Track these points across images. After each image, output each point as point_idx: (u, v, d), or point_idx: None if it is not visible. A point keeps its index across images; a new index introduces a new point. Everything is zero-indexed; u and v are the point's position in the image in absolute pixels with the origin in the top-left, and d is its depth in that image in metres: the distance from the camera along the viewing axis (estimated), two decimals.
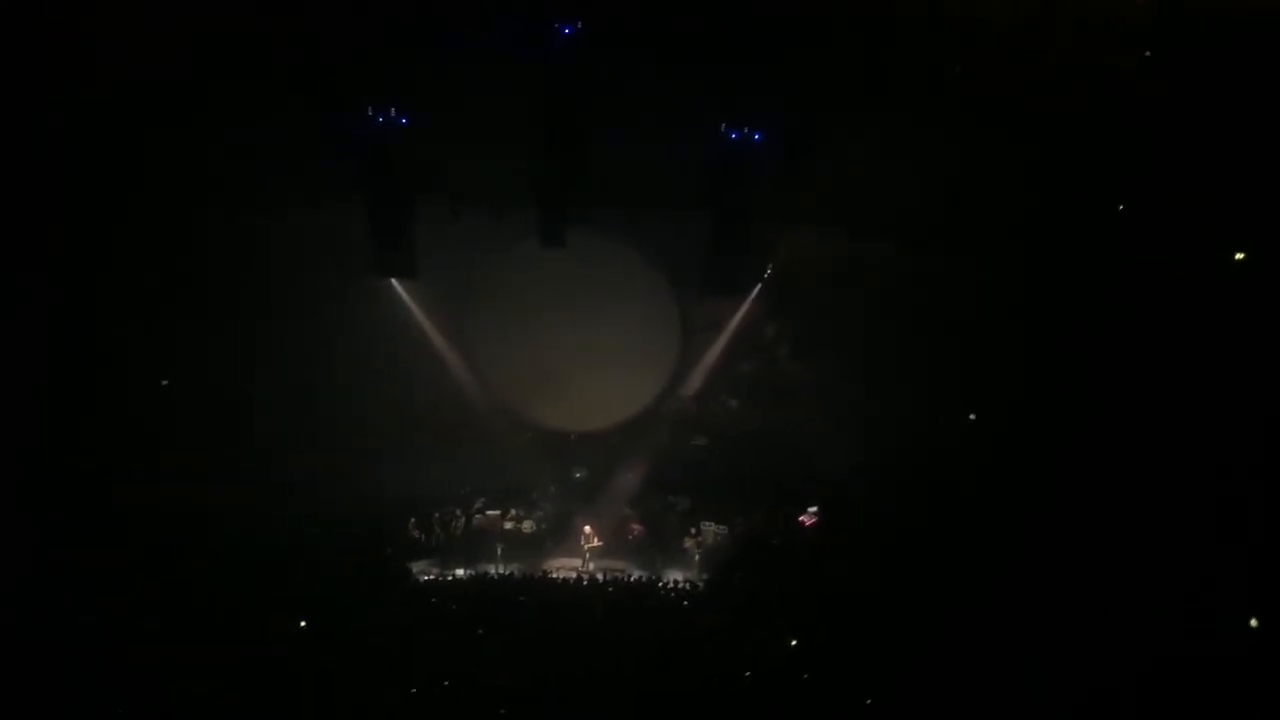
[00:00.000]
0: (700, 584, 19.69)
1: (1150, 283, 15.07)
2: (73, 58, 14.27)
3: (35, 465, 15.58)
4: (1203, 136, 14.10)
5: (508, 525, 21.75)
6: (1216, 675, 12.64)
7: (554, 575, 19.90)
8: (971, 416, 18.68)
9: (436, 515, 21.47)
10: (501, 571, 20.10)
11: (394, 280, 21.32)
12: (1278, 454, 13.46)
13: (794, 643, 15.86)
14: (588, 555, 20.83)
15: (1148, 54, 14.25)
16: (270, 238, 18.48)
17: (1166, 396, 14.90)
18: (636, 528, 21.89)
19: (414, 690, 14.39)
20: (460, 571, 20.08)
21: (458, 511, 21.74)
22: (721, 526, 21.33)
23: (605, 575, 19.76)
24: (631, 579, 19.72)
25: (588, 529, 21.09)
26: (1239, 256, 14.73)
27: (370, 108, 16.75)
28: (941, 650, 14.52)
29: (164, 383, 18.62)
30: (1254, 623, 13.62)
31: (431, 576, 19.92)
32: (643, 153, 17.07)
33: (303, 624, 15.67)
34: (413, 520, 21.18)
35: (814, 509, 20.90)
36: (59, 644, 13.73)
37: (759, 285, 21.96)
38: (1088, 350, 15.99)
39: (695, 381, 23.25)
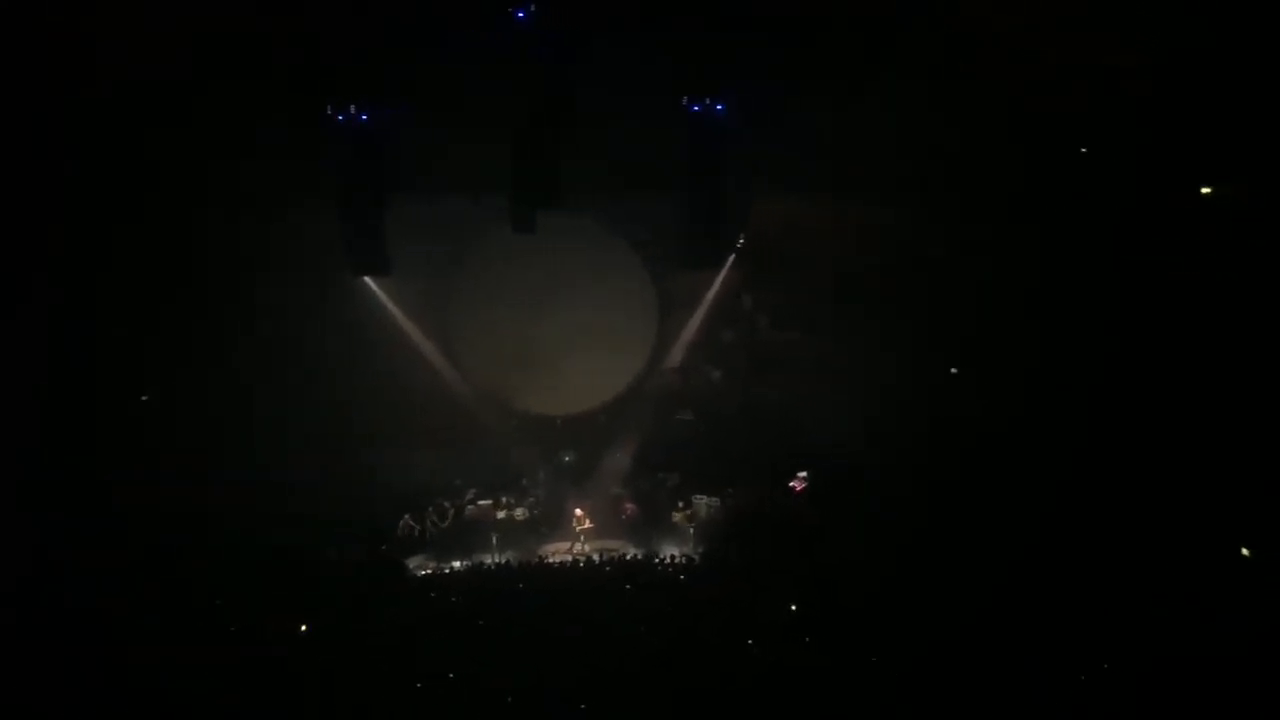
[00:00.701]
0: (696, 557, 19.75)
1: (1128, 233, 15.15)
2: (40, 58, 14.11)
3: (19, 468, 15.49)
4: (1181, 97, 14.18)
5: (500, 514, 21.78)
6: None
7: (550, 560, 19.93)
8: (953, 370, 18.79)
9: (429, 509, 21.46)
10: (498, 561, 20.10)
11: (368, 279, 21.16)
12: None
13: (794, 608, 15.95)
14: (582, 538, 20.87)
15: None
16: (244, 240, 18.37)
17: (1143, 349, 15.01)
18: (629, 507, 21.94)
19: (419, 686, 14.38)
20: (457, 564, 20.08)
21: (449, 504, 21.75)
22: (713, 499, 21.40)
23: (601, 556, 19.81)
24: (628, 557, 19.78)
25: (579, 512, 21.13)
26: (1205, 190, 14.85)
27: (330, 106, 16.66)
28: (939, 609, 14.63)
29: (143, 397, 18.56)
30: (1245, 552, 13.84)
31: (429, 571, 19.91)
32: (611, 131, 17.04)
33: (304, 627, 15.66)
34: (406, 515, 21.15)
35: (803, 474, 20.98)
36: (55, 644, 13.66)
37: (733, 255, 21.93)
38: (1074, 305, 16.08)
39: (677, 356, 23.23)
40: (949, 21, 14.97)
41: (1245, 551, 14.05)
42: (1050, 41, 14.57)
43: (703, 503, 21.43)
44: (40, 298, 15.72)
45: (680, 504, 21.62)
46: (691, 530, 21.03)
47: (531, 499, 22.31)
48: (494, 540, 20.86)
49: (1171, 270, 14.93)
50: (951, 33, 15.11)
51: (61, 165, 15.32)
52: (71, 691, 13.19)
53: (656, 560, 19.58)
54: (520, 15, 15.52)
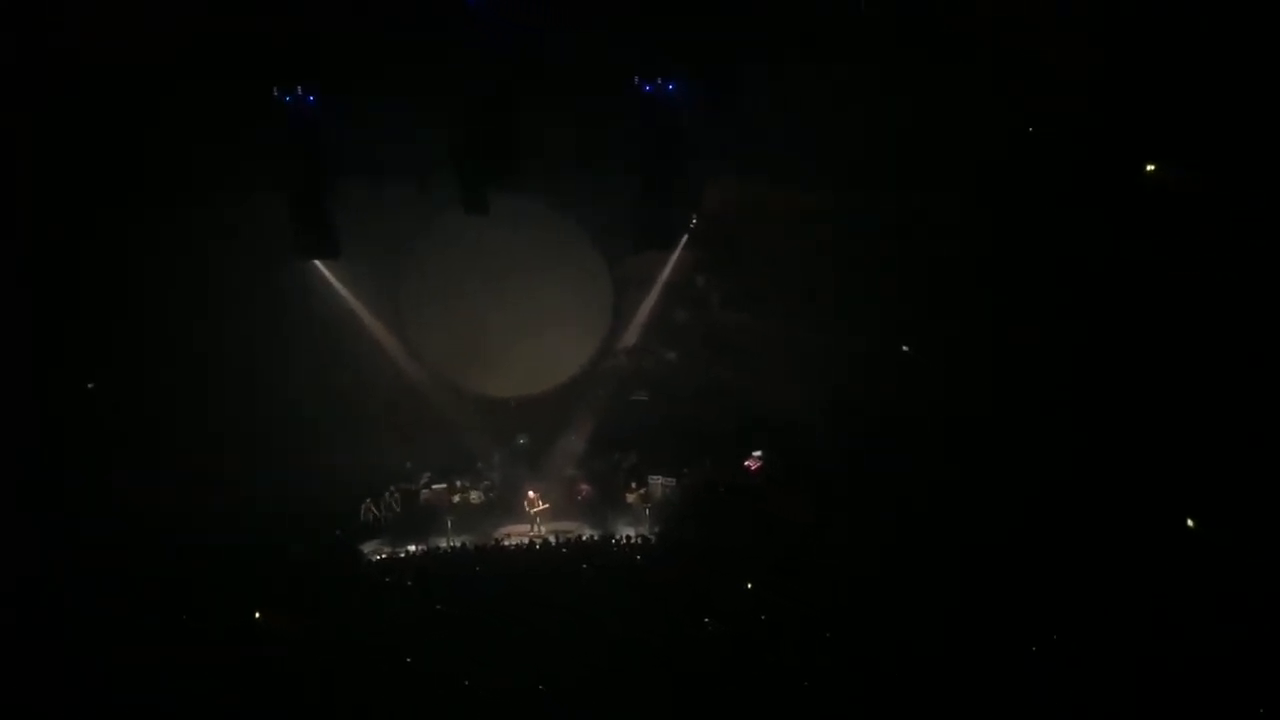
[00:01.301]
0: (652, 538, 19.81)
1: (1101, 205, 15.29)
2: None
3: None
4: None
5: (455, 498, 21.75)
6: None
7: (506, 543, 19.91)
8: (905, 348, 18.96)
9: (385, 494, 21.35)
10: (453, 544, 20.05)
11: (317, 262, 20.91)
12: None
13: (749, 586, 16.05)
14: (537, 519, 20.86)
15: None
16: (189, 229, 18.06)
17: (1130, 335, 15.19)
18: (584, 487, 21.99)
19: (378, 672, 14.34)
20: (412, 548, 20.00)
21: (400, 489, 21.64)
22: (669, 479, 21.47)
23: (557, 537, 19.82)
24: (584, 538, 19.81)
25: (531, 494, 21.12)
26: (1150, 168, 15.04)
27: (277, 88, 16.41)
28: (893, 582, 14.80)
29: (89, 386, 18.26)
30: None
31: (384, 555, 19.82)
32: (562, 110, 16.95)
33: (256, 615, 15.54)
34: (368, 501, 21.04)
35: (758, 454, 21.09)
36: (33, 644, 13.52)
37: (686, 235, 21.94)
38: (1022, 273, 16.24)
39: (631, 337, 23.23)
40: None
41: (1190, 523, 14.30)
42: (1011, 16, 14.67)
43: (658, 483, 21.50)
44: None
45: (634, 484, 21.67)
46: (647, 511, 21.10)
47: (486, 482, 22.30)
48: (449, 524, 20.81)
49: (1125, 249, 15.11)
50: (906, 11, 15.16)
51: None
52: (47, 690, 13.08)
53: (613, 540, 19.63)
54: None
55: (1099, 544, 14.54)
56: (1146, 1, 13.97)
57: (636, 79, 16.97)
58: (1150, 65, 14.20)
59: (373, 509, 21.08)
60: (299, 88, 16.48)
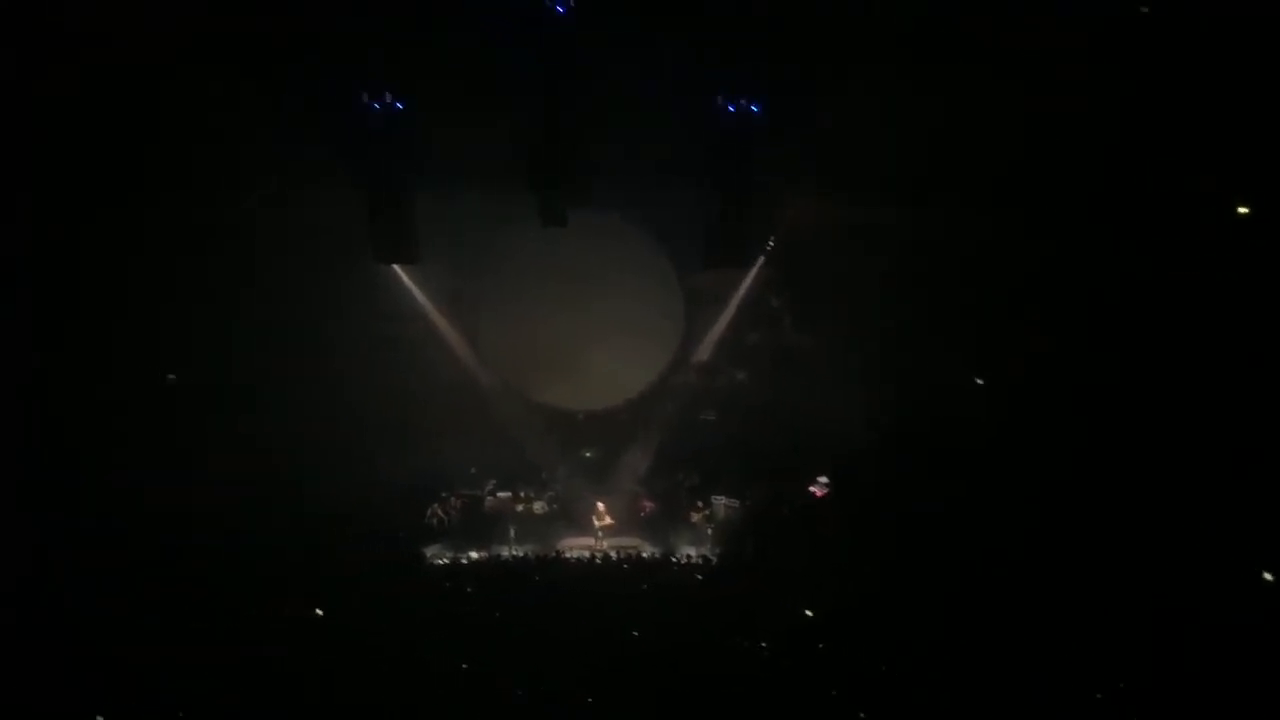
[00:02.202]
0: (713, 558, 19.68)
1: (1170, 239, 14.93)
2: (62, 47, 14.15)
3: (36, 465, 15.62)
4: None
5: (519, 507, 21.82)
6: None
7: (568, 555, 19.91)
8: (979, 381, 18.63)
9: (450, 499, 21.51)
10: (515, 553, 20.12)
11: (396, 266, 21.19)
12: None
13: (809, 614, 15.85)
14: (600, 534, 20.85)
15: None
16: (270, 228, 18.42)
17: (1188, 359, 14.81)
18: (647, 504, 21.94)
19: (432, 676, 14.40)
20: (473, 554, 20.10)
21: (466, 495, 21.76)
22: (733, 500, 21.33)
23: (618, 553, 19.78)
24: (644, 555, 19.75)
25: (600, 506, 21.12)
26: (1242, 210, 14.65)
27: (366, 93, 16.66)
28: (956, 620, 14.51)
29: (170, 377, 18.65)
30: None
31: (445, 560, 19.95)
32: (642, 126, 16.99)
33: (319, 611, 15.70)
34: (435, 505, 21.21)
35: (824, 479, 20.88)
36: (58, 645, 13.68)
37: (762, 256, 21.83)
38: (1103, 311, 15.88)
39: (702, 355, 23.16)
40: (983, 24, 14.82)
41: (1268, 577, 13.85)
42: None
43: (721, 503, 21.36)
44: (35, 292, 15.81)
45: (700, 504, 21.56)
46: (709, 531, 20.97)
47: (551, 493, 22.33)
48: (511, 532, 20.89)
49: (1209, 273, 14.72)
50: (991, 35, 14.95)
51: (54, 156, 15.36)
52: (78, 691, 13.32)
53: (673, 559, 19.54)
54: (560, 9, 15.45)
55: (1167, 566, 14.18)
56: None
57: (719, 98, 16.96)
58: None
59: (438, 512, 21.23)
60: (387, 94, 16.70)
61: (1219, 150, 14.26)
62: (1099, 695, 13.10)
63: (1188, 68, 14.05)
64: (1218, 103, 13.98)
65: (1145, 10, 13.95)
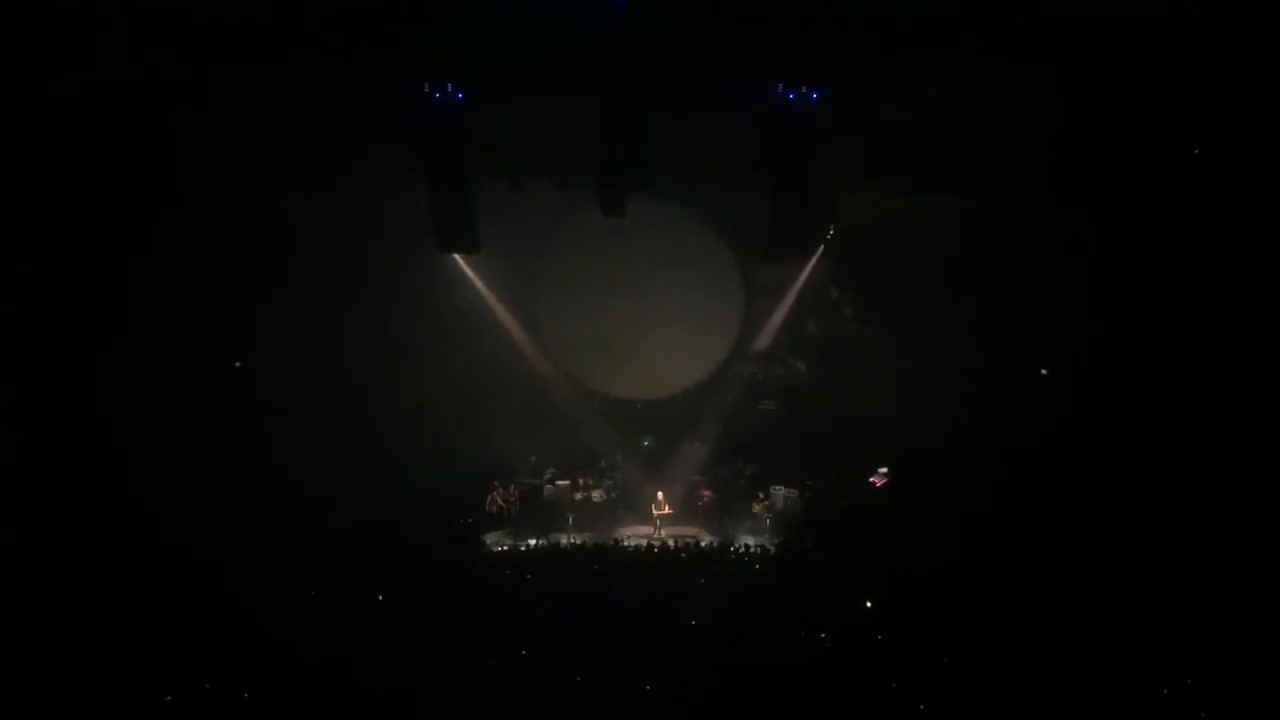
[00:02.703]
0: (772, 548, 19.65)
1: (1229, 234, 14.66)
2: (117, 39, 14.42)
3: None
4: None
5: (578, 495, 21.91)
6: None
7: (625, 543, 19.99)
8: (1044, 372, 18.40)
9: (512, 486, 21.68)
10: (573, 541, 20.24)
11: (457, 256, 21.37)
12: None
13: (869, 605, 15.78)
14: (659, 522, 20.90)
15: None
16: (333, 218, 18.69)
17: (1254, 354, 14.54)
18: (706, 493, 21.93)
19: (492, 662, 14.56)
20: (533, 542, 20.26)
21: (525, 484, 21.94)
22: (791, 490, 21.26)
23: (676, 542, 19.82)
24: (703, 544, 19.76)
25: (660, 495, 21.15)
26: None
27: (428, 84, 16.77)
28: (1017, 611, 14.37)
29: (237, 364, 19.01)
30: None
31: (505, 548, 20.13)
32: (702, 116, 16.95)
33: (380, 598, 15.94)
34: (496, 490, 21.40)
35: (884, 470, 20.74)
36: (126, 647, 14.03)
37: (822, 246, 21.71)
38: (1168, 303, 15.61)
39: (761, 345, 23.11)
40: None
41: None
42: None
43: (780, 493, 21.30)
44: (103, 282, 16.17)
45: (760, 494, 21.52)
46: (769, 521, 20.94)
47: (609, 481, 22.41)
48: (570, 520, 21.01)
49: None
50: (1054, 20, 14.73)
51: (145, 137, 15.67)
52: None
53: (731, 549, 19.52)
54: (618, 1, 15.45)
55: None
56: None
57: (780, 87, 16.85)
58: None
59: (498, 499, 21.41)
60: (449, 84, 16.80)
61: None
62: (1165, 691, 12.95)
63: (1240, 69, 13.79)
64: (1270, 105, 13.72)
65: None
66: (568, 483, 22.08)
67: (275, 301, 18.78)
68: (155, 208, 16.63)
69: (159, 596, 14.65)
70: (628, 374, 22.77)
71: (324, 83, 15.62)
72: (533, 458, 22.48)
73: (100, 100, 14.87)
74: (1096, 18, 14.11)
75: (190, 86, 15.30)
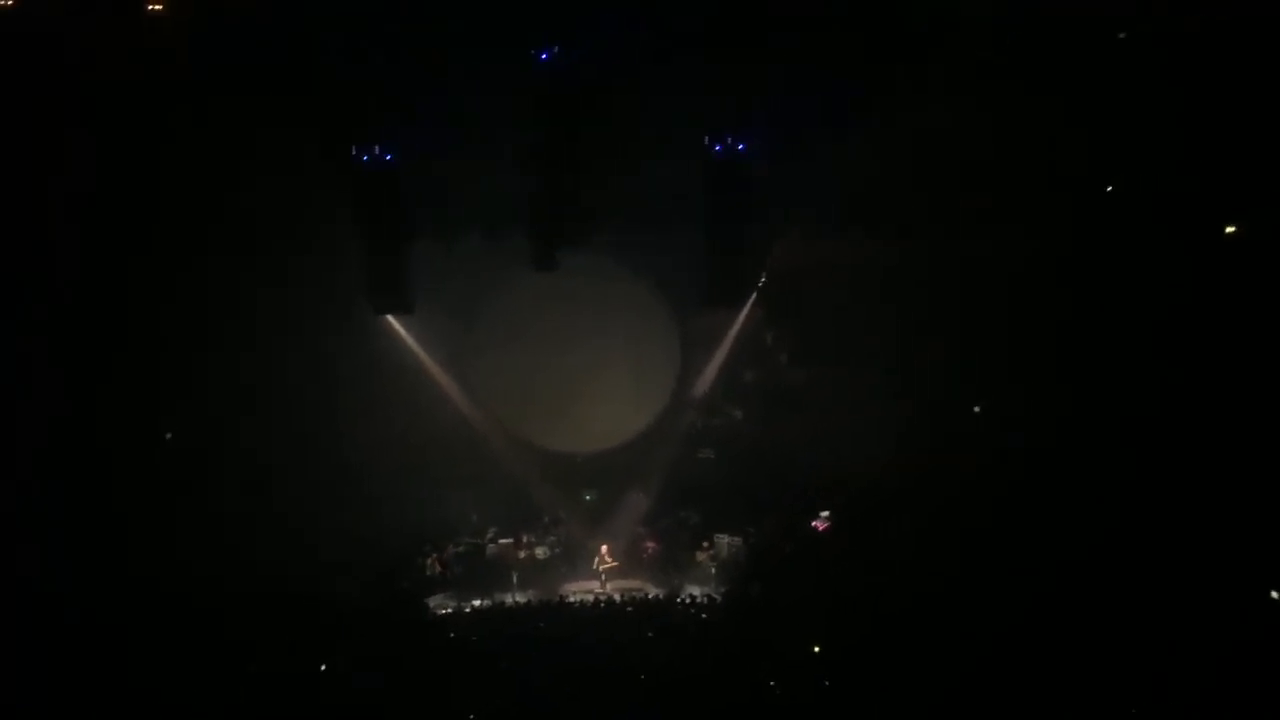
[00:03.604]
0: (717, 597, 19.61)
1: (1160, 271, 15.05)
2: (59, 105, 14.32)
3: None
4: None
5: (521, 553, 21.70)
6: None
7: (571, 599, 19.83)
8: (976, 409, 18.68)
9: (450, 547, 21.43)
10: (518, 599, 20.03)
11: (391, 316, 21.26)
12: None
13: (816, 649, 15.79)
14: (604, 576, 20.77)
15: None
16: (262, 279, 18.47)
17: (1195, 388, 14.88)
18: (650, 545, 21.86)
19: None
20: (477, 602, 20.00)
21: (468, 543, 21.71)
22: (735, 538, 21.27)
23: (622, 595, 19.70)
24: (649, 597, 19.67)
25: (604, 549, 21.04)
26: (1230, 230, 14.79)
27: (355, 147, 16.79)
28: (963, 651, 14.45)
29: (167, 435, 18.62)
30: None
31: (449, 609, 19.85)
32: (631, 169, 17.14)
33: (323, 668, 15.61)
34: (434, 554, 21.14)
35: (826, 514, 20.84)
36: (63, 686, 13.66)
37: (755, 293, 21.93)
38: (1095, 341, 15.96)
39: (699, 394, 23.21)
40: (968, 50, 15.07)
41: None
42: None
43: (724, 542, 21.30)
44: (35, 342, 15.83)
45: (704, 544, 21.49)
46: (713, 569, 20.91)
47: (553, 537, 22.24)
48: (514, 579, 20.80)
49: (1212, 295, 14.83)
50: (970, 63, 15.20)
51: (76, 190, 15.47)
52: None
53: (678, 600, 19.46)
54: (544, 56, 15.65)
55: (1184, 596, 14.18)
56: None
57: (707, 139, 17.13)
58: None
59: (438, 563, 21.14)
60: (376, 146, 16.83)
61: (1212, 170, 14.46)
62: None
63: (1174, 88, 14.30)
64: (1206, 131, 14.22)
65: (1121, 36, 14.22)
66: (510, 541, 21.85)
67: (208, 366, 18.42)
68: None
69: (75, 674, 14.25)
70: (567, 427, 22.67)
71: (257, 144, 15.61)
72: (474, 517, 22.24)
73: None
74: (1023, 64, 14.62)
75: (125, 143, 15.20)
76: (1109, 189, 15.73)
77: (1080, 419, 16.03)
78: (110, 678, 14.18)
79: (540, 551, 21.88)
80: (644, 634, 17.38)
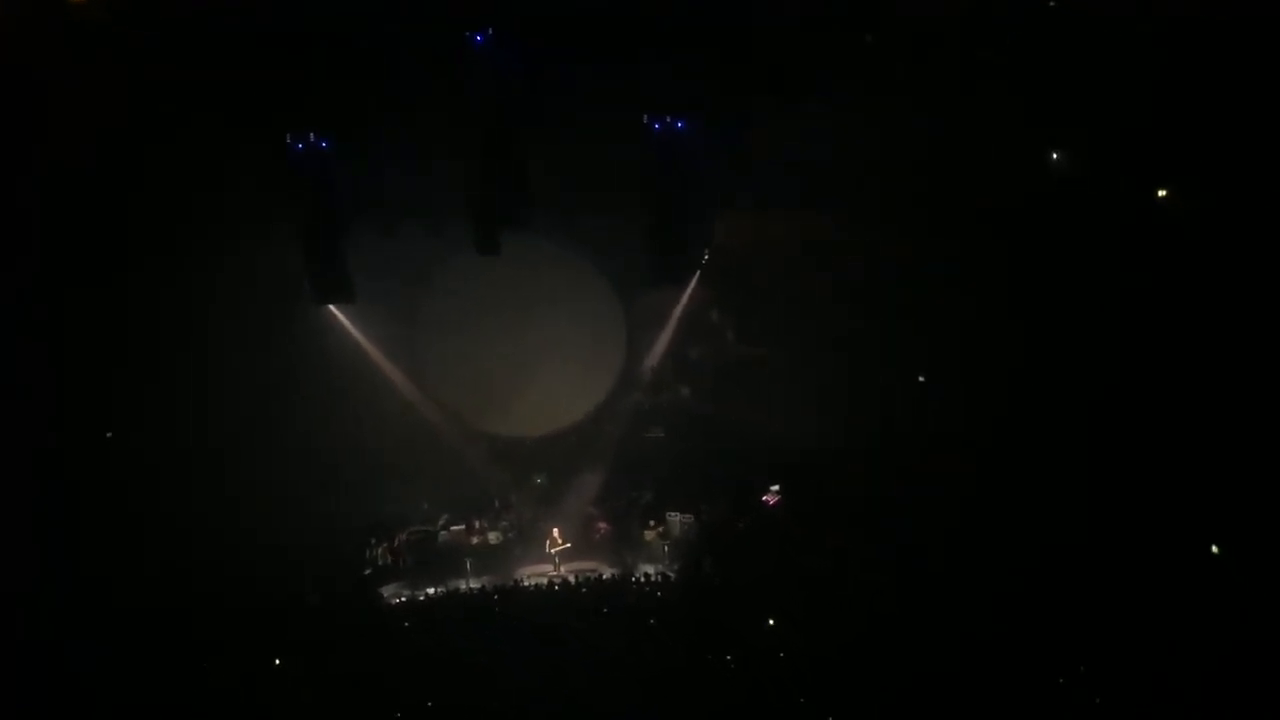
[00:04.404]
0: (671, 574, 19.70)
1: (1090, 241, 15.31)
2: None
3: None
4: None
5: (474, 539, 21.64)
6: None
7: (526, 583, 19.81)
8: (920, 379, 18.90)
9: (402, 536, 21.32)
10: (472, 586, 19.98)
11: (331, 306, 21.03)
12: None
13: (770, 622, 15.94)
14: (557, 559, 20.77)
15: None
16: (203, 273, 18.19)
17: (1108, 341, 15.16)
18: (602, 526, 21.89)
19: (398, 715, 14.28)
20: (431, 590, 19.93)
21: (419, 531, 21.61)
22: (687, 516, 21.36)
23: (577, 577, 19.73)
24: (603, 577, 19.72)
25: (555, 532, 21.03)
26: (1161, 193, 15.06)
27: (290, 134, 16.56)
28: (913, 619, 14.67)
29: (108, 435, 18.31)
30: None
31: (403, 599, 19.76)
32: (572, 149, 17.08)
33: (277, 662, 15.50)
34: (383, 544, 21.01)
35: (775, 488, 21.00)
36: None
37: (698, 272, 21.97)
38: (1035, 311, 16.22)
39: (646, 373, 23.23)
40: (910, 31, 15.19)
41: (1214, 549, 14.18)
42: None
43: (676, 520, 21.39)
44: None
45: (652, 522, 21.57)
46: (665, 548, 21.00)
47: (505, 522, 22.18)
48: (468, 565, 20.75)
49: (1141, 274, 15.10)
50: (914, 42, 15.33)
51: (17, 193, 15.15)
52: None
53: (632, 579, 19.53)
54: (478, 39, 15.52)
55: (1122, 570, 14.44)
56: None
57: (645, 118, 17.09)
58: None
59: (389, 552, 21.03)
60: (311, 134, 16.60)
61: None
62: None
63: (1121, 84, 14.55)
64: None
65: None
66: (463, 527, 21.79)
67: (152, 364, 18.11)
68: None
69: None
70: (515, 412, 22.60)
71: (191, 135, 15.35)
72: (425, 505, 22.14)
73: None
74: (977, 40, 14.76)
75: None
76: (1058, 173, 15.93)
77: (1027, 393, 16.28)
78: (66, 675, 14.00)
79: (493, 537, 21.82)
80: (599, 614, 17.42)
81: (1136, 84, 14.49)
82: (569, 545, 21.00)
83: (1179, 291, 14.72)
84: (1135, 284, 15.06)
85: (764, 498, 21.05)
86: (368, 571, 20.52)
